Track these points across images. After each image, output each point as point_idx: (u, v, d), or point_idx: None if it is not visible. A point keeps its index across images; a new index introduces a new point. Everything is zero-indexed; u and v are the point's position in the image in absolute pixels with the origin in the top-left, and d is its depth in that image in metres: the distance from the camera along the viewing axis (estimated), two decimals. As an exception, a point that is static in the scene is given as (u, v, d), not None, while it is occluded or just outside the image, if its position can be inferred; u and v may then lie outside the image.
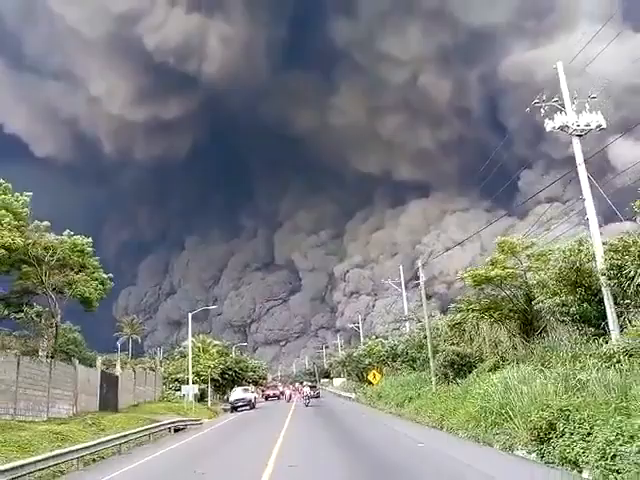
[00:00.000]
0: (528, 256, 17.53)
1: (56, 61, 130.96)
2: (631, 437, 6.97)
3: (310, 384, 39.50)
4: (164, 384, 36.36)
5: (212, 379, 38.44)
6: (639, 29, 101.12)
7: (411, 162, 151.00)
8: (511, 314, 17.51)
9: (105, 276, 25.12)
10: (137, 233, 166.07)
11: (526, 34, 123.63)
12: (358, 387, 39.45)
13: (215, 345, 47.28)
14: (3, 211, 20.87)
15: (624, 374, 9.55)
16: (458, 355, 20.63)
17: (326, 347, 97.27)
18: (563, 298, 13.43)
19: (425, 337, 23.68)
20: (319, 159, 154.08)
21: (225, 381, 43.89)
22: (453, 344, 22.32)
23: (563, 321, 14.30)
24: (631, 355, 10.40)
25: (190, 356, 34.02)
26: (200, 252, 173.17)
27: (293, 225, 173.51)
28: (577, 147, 14.58)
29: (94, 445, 14.38)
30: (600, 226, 14.30)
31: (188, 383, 32.07)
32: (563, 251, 13.66)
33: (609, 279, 12.55)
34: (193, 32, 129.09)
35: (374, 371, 32.13)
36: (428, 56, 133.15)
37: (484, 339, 20.17)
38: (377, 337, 43.17)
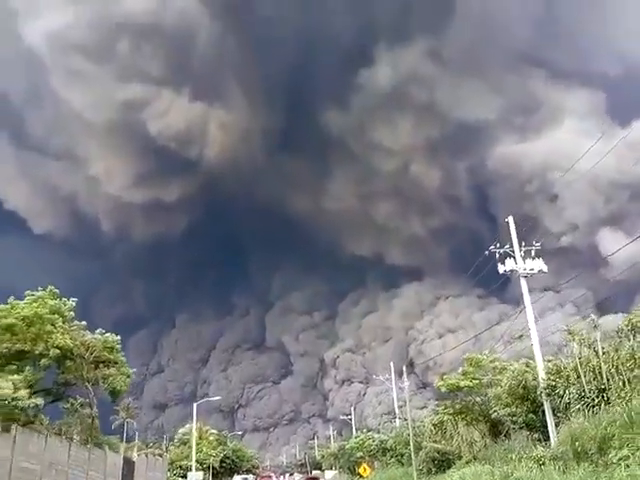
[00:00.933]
0: (493, 368, 21.97)
1: (58, 142, 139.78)
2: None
3: (312, 476, 41.96)
4: (168, 470, 39.25)
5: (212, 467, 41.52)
6: (625, 124, 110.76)
7: (403, 247, 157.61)
8: (480, 418, 21.71)
9: (130, 371, 29.28)
10: (131, 308, 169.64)
11: (514, 129, 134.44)
12: (350, 480, 42.34)
13: (212, 433, 50.25)
14: (56, 315, 25.37)
15: (547, 473, 13.76)
16: (439, 452, 24.56)
17: (317, 437, 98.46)
18: (513, 409, 17.73)
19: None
20: (313, 240, 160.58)
21: (222, 469, 46.58)
22: (435, 441, 26.28)
23: (513, 428, 18.57)
24: (555, 458, 14.68)
25: (194, 445, 37.29)
26: (190, 330, 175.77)
27: (285, 306, 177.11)
28: (524, 287, 19.44)
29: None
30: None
31: (191, 470, 35.21)
32: (513, 371, 18.14)
33: (547, 395, 16.99)
34: (195, 119, 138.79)
35: (364, 464, 35.38)
36: (418, 147, 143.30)
37: (462, 438, 24.25)
38: (369, 430, 46.34)
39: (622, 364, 14.82)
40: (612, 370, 14.96)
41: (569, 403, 15.89)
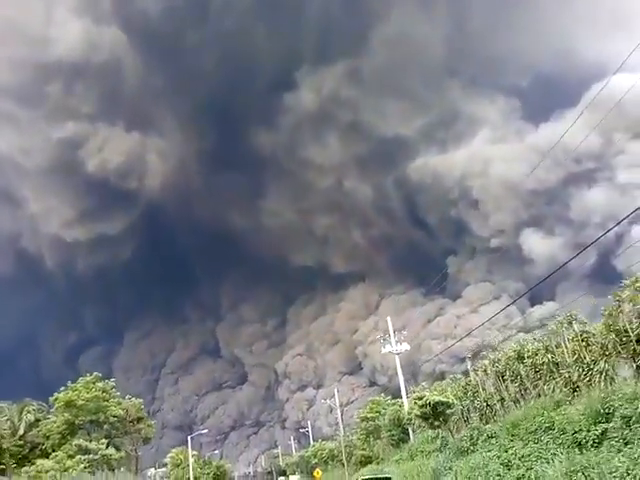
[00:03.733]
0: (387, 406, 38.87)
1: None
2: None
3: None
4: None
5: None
6: (539, 122, 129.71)
7: (345, 256, 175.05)
8: (381, 435, 38.64)
9: (152, 422, 44.97)
10: (82, 334, 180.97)
11: (435, 141, 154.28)
12: (308, 482, 58.85)
13: (194, 455, 65.86)
14: (105, 394, 40.78)
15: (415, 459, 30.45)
16: (364, 457, 41.46)
17: (278, 445, 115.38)
18: (393, 432, 34.39)
19: (346, 445, 44.56)
20: (257, 255, 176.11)
21: (212, 484, 62.60)
22: (364, 449, 43.16)
23: (397, 443, 35.50)
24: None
25: (191, 467, 52.91)
26: (141, 348, 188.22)
27: (236, 318, 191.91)
28: (398, 363, 36.23)
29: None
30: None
31: None
32: (390, 410, 34.92)
33: (409, 421, 33.84)
34: (132, 150, 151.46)
35: (318, 469, 52.16)
36: (348, 163, 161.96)
37: (379, 448, 41.25)
38: (323, 439, 63.00)
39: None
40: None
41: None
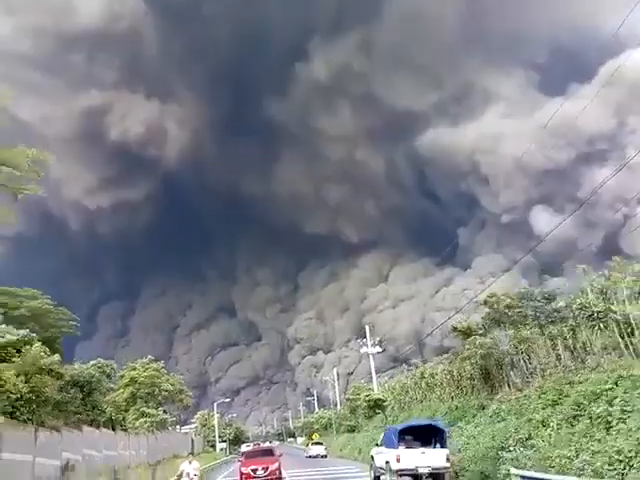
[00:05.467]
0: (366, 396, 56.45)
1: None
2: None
3: (316, 440, 63.35)
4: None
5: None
6: (553, 96, 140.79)
7: (357, 225, 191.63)
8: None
9: (190, 393, 63.50)
10: (103, 293, 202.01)
11: (447, 115, 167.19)
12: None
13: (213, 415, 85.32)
14: (157, 372, 59.14)
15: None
16: (350, 426, 59.53)
17: (287, 407, 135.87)
18: (366, 412, 52.09)
19: (338, 417, 62.84)
20: (269, 220, 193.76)
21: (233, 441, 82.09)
22: (350, 420, 61.12)
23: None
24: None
25: (217, 426, 71.89)
26: (158, 307, 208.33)
27: (251, 281, 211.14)
28: (372, 361, 53.38)
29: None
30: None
31: (216, 444, 70.18)
32: (363, 395, 52.45)
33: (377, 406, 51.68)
34: (152, 119, 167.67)
35: (316, 433, 71.02)
36: (360, 134, 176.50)
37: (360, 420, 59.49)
38: (328, 405, 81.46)
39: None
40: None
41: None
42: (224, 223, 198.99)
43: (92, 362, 40.13)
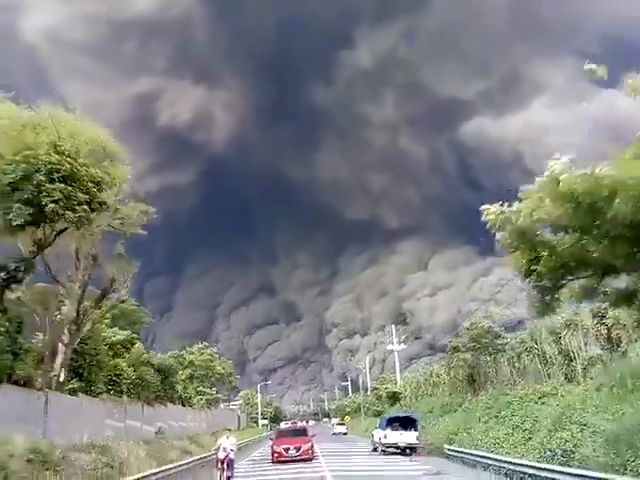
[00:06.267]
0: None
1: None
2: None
3: (339, 421, 78.68)
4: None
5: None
6: (606, 85, 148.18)
7: (399, 212, 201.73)
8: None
9: (238, 376, 75.49)
10: (149, 270, 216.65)
11: (492, 105, 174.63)
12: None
13: (255, 395, 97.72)
14: (211, 356, 71.25)
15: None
16: (377, 411, 70.73)
17: (324, 388, 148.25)
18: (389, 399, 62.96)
19: (366, 403, 74.11)
20: (310, 204, 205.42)
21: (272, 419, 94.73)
22: (377, 406, 72.24)
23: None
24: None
25: (260, 405, 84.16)
26: (200, 285, 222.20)
27: (291, 263, 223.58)
28: (397, 358, 64.02)
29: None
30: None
31: (258, 421, 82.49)
32: (387, 385, 63.23)
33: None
34: (200, 105, 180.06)
35: (347, 416, 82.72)
36: (403, 122, 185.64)
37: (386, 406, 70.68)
38: (364, 389, 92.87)
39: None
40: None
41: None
42: (266, 206, 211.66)
43: (169, 352, 52.35)
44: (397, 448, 29.34)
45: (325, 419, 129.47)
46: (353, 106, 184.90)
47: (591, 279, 11.80)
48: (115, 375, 33.82)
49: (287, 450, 29.70)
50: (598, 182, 10.11)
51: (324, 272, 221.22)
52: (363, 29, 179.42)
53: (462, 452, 22.89)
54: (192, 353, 68.99)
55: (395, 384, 60.01)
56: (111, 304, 30.62)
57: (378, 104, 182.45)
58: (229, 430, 25.94)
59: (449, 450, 24.51)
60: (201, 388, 64.07)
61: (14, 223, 19.41)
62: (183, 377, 63.05)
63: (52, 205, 19.65)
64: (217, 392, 67.96)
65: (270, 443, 33.47)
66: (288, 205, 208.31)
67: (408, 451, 28.46)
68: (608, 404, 17.19)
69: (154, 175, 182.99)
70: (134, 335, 40.74)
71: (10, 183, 19.43)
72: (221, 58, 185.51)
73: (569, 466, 15.20)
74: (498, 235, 12.16)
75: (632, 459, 13.19)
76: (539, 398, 23.69)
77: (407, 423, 30.26)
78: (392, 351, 67.13)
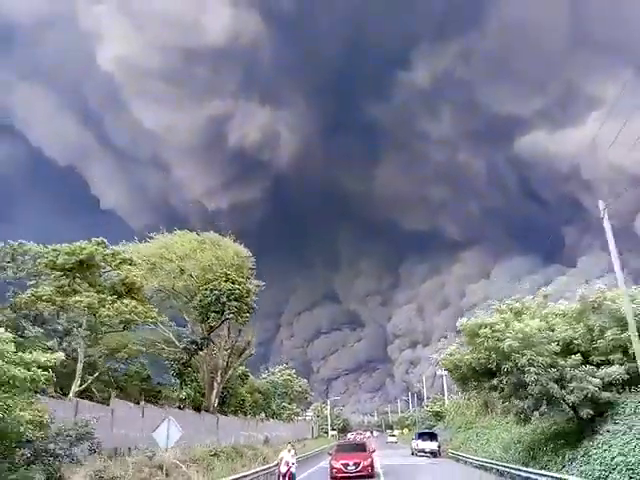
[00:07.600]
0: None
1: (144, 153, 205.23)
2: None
3: (391, 433, 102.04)
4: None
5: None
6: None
7: (460, 224, 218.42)
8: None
9: (312, 393, 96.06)
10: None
11: (549, 120, 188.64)
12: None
13: (325, 407, 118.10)
14: (290, 377, 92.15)
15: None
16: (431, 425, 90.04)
17: (388, 399, 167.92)
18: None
19: (422, 417, 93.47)
20: (368, 217, 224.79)
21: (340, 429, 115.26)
22: (430, 420, 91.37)
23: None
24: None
25: (329, 417, 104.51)
26: (266, 295, 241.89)
27: (353, 273, 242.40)
28: (445, 382, 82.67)
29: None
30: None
31: (328, 432, 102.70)
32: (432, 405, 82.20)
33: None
34: (266, 125, 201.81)
35: (406, 427, 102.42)
36: (461, 138, 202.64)
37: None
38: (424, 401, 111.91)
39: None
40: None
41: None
42: (327, 218, 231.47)
43: (264, 377, 74.09)
44: (424, 452, 48.93)
45: (388, 430, 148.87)
46: (412, 123, 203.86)
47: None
48: (241, 400, 55.06)
49: (346, 466, 30.77)
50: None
51: (386, 281, 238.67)
52: (420, 50, 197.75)
53: (456, 454, 42.68)
54: (273, 373, 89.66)
55: (443, 404, 78.78)
56: (245, 356, 51.63)
57: (436, 121, 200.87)
58: (289, 443, 27.32)
59: (451, 453, 44.40)
60: (285, 404, 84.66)
61: (212, 324, 40.76)
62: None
63: (231, 315, 40.91)
64: (296, 407, 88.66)
65: (329, 458, 34.11)
66: (348, 217, 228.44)
67: (430, 455, 48.07)
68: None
69: (224, 193, 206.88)
70: (247, 370, 61.84)
71: (208, 303, 40.60)
72: (285, 80, 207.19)
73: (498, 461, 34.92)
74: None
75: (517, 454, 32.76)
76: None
77: (431, 436, 50.23)
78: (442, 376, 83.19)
